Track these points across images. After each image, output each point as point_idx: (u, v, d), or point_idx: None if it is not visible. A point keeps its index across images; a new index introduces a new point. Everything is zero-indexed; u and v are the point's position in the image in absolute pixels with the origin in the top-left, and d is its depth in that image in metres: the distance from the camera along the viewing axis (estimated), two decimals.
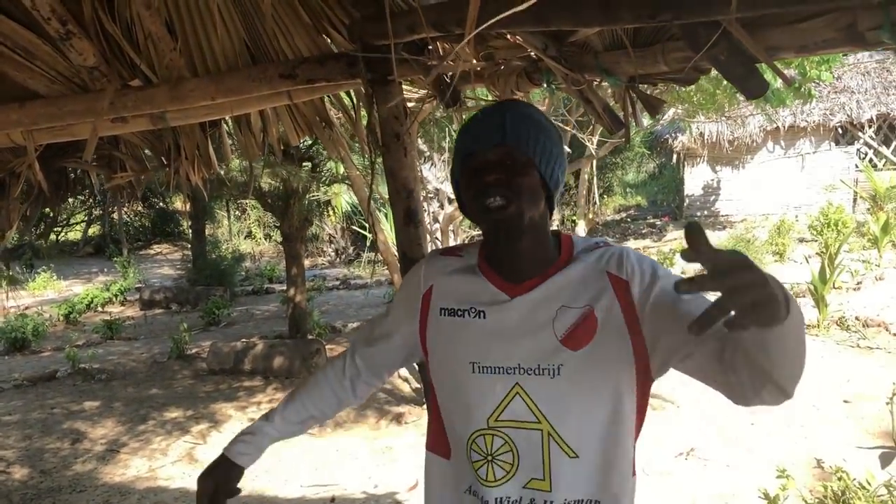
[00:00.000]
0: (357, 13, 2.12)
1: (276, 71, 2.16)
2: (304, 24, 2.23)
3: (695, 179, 18.32)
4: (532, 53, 1.95)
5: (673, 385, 6.72)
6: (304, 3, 2.18)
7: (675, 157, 18.60)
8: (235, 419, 6.47)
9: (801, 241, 13.47)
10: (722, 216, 17.74)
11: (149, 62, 2.29)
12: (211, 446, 5.85)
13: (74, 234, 26.27)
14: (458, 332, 1.41)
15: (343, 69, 2.14)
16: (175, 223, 24.97)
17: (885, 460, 4.63)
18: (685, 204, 18.47)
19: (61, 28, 2.05)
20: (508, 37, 1.97)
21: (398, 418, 6.27)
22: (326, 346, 8.24)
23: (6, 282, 16.25)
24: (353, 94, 2.56)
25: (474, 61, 2.25)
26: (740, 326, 0.98)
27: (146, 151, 2.77)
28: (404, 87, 2.79)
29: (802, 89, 8.31)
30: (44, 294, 15.30)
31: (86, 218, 26.03)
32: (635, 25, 1.59)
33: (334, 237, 18.92)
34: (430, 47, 2.24)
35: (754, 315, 0.97)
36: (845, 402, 5.96)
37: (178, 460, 5.60)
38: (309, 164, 8.37)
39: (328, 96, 2.58)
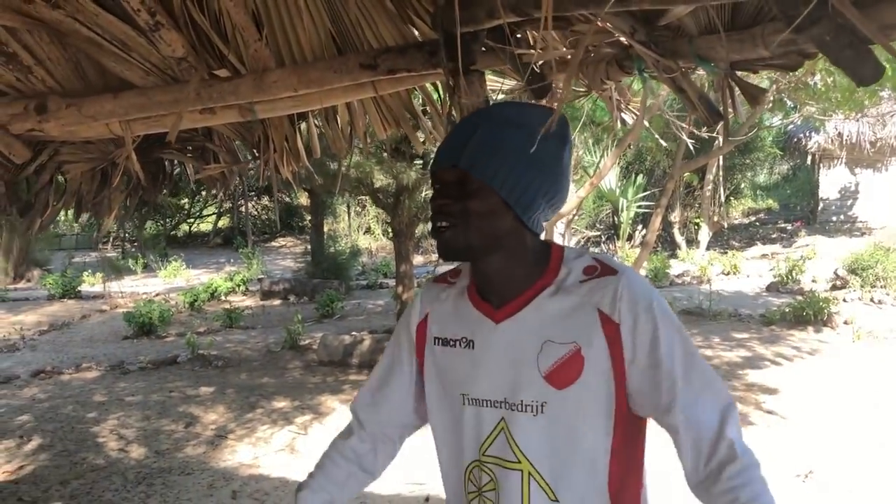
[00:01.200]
0: (440, 0, 2.04)
1: (356, 61, 2.11)
2: (388, 12, 2.17)
3: (831, 182, 17.28)
4: (621, 39, 1.80)
5: (789, 400, 6.32)
6: None
7: (809, 158, 17.58)
8: (338, 412, 6.56)
9: None
10: (860, 222, 16.64)
11: (237, 53, 2.29)
12: (312, 438, 5.95)
13: (206, 226, 27.69)
14: (451, 362, 1.36)
15: (424, 59, 2.06)
16: (299, 217, 25.84)
17: None
18: (820, 208, 17.44)
19: (150, 19, 2.07)
20: (598, 21, 1.83)
21: None
22: None
23: (141, 268, 17.31)
24: (440, 86, 2.48)
25: (563, 49, 2.13)
26: None
27: (238, 144, 2.80)
28: (494, 77, 2.70)
29: None
30: (173, 282, 16.14)
31: (216, 211, 27.37)
32: (724, 1, 1.42)
33: None
34: (519, 35, 2.13)
35: None
36: None
37: (280, 450, 5.72)
38: (420, 161, 8.40)
39: (416, 89, 2.52)
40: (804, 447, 5.21)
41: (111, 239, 24.11)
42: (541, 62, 2.19)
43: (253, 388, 7.48)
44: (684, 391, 1.23)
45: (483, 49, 2.08)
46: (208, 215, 27.96)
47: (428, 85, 2.53)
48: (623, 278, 1.26)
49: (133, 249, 21.78)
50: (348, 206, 23.76)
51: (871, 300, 10.04)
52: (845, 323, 8.85)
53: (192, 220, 27.34)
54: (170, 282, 16.20)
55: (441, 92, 2.50)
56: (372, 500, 4.69)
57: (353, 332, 8.71)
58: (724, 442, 1.24)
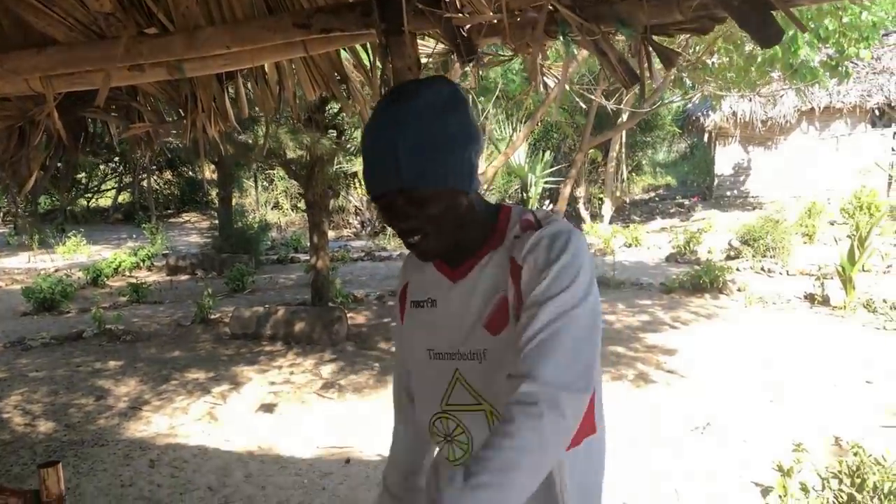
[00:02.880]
0: None
1: (290, 20, 2.15)
2: None
3: (726, 159, 18.09)
4: (547, 4, 1.92)
5: (687, 360, 6.70)
6: None
7: (706, 136, 18.34)
8: (256, 382, 6.55)
9: (832, 223, 13.29)
10: (752, 197, 17.51)
11: (165, 10, 2.28)
12: (230, 406, 5.94)
13: (105, 201, 26.63)
14: (420, 321, 1.46)
15: (357, 19, 2.12)
16: (204, 192, 25.17)
17: None
18: (715, 184, 18.25)
19: None
20: None
21: None
22: (348, 314, 8.29)
23: (36, 244, 16.57)
24: (369, 48, 2.54)
25: (490, 13, 2.22)
26: None
27: (163, 103, 2.78)
28: (421, 42, 2.77)
29: (840, 68, 8.13)
30: (73, 258, 15.54)
31: (116, 185, 26.36)
32: None
33: (360, 209, 18.96)
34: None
35: None
36: (867, 382, 5.89)
37: (198, 419, 5.68)
38: (334, 132, 8.37)
39: (344, 50, 2.57)
40: (701, 402, 5.55)
41: (1, 215, 22.94)
42: (468, 26, 2.28)
43: (164, 361, 7.36)
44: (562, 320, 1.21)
45: (413, 11, 2.16)
46: (107, 190, 26.88)
47: (358, 47, 2.58)
48: (543, 232, 1.30)
49: (27, 225, 20.77)
50: (255, 180, 23.32)
51: (762, 269, 10.66)
52: (739, 290, 9.38)
53: (90, 194, 26.22)
54: (69, 258, 15.58)
55: (371, 55, 2.56)
56: (294, 464, 4.75)
57: (267, 305, 8.65)
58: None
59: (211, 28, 2.21)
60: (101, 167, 24.12)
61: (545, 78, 2.47)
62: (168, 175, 26.36)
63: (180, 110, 2.68)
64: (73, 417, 5.75)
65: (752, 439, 4.79)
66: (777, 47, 6.96)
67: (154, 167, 24.24)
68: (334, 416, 5.66)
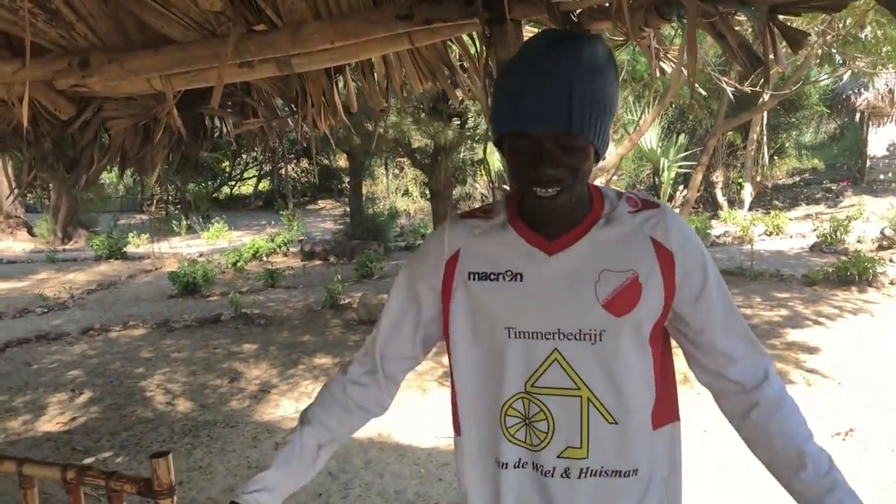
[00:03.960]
0: None
1: (392, 12, 2.11)
2: None
3: (880, 141, 16.84)
4: None
5: (830, 359, 6.25)
6: None
7: (857, 116, 17.10)
8: None
9: None
10: None
11: (274, 6, 2.30)
12: None
13: (247, 189, 28.02)
14: (492, 297, 1.32)
15: (460, 8, 2.05)
16: (338, 180, 25.98)
17: None
18: (867, 167, 17.00)
19: None
20: None
21: None
22: None
23: (185, 230, 17.62)
24: (476, 38, 2.47)
25: None
26: None
27: (276, 99, 2.83)
28: (533, 28, 2.67)
29: None
30: (216, 243, 16.43)
31: (257, 173, 27.65)
32: None
33: (486, 196, 18.97)
34: None
35: None
36: None
37: None
38: (458, 120, 8.37)
39: (451, 40, 2.51)
40: (845, 406, 5.16)
41: (155, 201, 24.53)
42: (578, 11, 2.17)
43: (294, 345, 7.62)
44: (727, 308, 1.34)
45: None
46: (249, 178, 28.28)
47: (465, 38, 2.51)
48: (667, 211, 1.33)
49: (177, 211, 22.15)
50: (386, 168, 23.81)
51: None
52: (892, 283, 8.68)
53: (233, 182, 27.68)
54: (213, 243, 16.49)
55: (478, 44, 2.49)
56: (412, 453, 4.79)
57: None
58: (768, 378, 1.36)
59: (315, 23, 2.20)
60: (243, 156, 25.32)
61: (662, 63, 2.32)
62: (305, 164, 27.38)
63: (292, 105, 2.72)
64: (208, 398, 6.05)
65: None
66: None
67: (292, 156, 25.22)
68: (447, 403, 5.66)
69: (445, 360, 5.47)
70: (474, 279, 1.34)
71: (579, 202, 1.30)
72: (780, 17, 1.68)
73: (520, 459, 1.34)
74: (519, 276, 1.30)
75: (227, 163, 25.78)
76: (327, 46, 2.23)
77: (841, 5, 1.50)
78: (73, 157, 2.76)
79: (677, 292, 1.29)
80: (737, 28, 1.87)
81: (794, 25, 1.79)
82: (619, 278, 1.27)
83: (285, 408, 5.77)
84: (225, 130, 2.98)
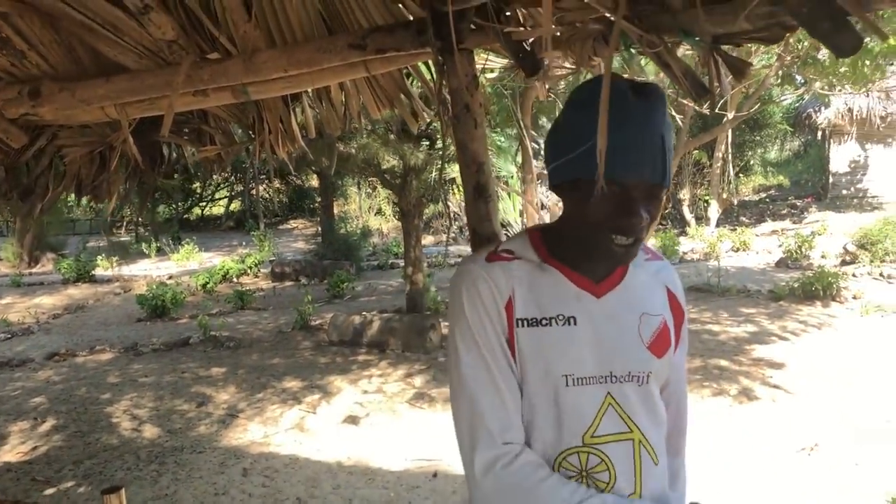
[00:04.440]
0: None
1: (345, 41, 2.11)
2: None
3: (842, 158, 17.14)
4: (607, 14, 1.80)
5: (795, 374, 6.32)
6: None
7: (819, 133, 17.42)
8: (346, 392, 6.62)
9: None
10: (870, 197, 16.51)
11: (227, 35, 2.30)
12: (320, 417, 6.02)
13: (218, 209, 27.84)
14: (547, 343, 1.25)
15: (413, 38, 2.07)
16: (311, 199, 25.91)
17: None
18: (830, 183, 17.30)
19: (139, 2, 2.08)
20: None
21: None
22: (442, 323, 8.29)
23: (154, 252, 17.43)
24: (431, 65, 2.48)
25: (551, 26, 2.13)
26: None
27: (233, 125, 2.82)
28: (488, 57, 2.70)
29: None
30: (186, 265, 16.27)
31: (228, 194, 27.50)
32: None
33: (458, 214, 19.01)
34: (508, 13, 2.13)
35: None
36: None
37: (290, 428, 5.79)
38: (427, 141, 8.40)
39: (408, 68, 2.52)
40: (810, 421, 5.22)
41: (124, 223, 24.27)
42: (531, 39, 2.19)
43: (264, 368, 7.56)
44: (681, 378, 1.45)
45: (472, 27, 2.09)
46: (220, 198, 28.10)
47: (421, 64, 2.53)
48: (670, 265, 1.45)
49: (146, 233, 21.93)
50: (359, 187, 23.79)
51: (881, 275, 9.99)
52: (854, 298, 8.81)
53: (204, 203, 27.49)
54: (183, 265, 16.33)
55: (432, 71, 2.50)
56: (381, 477, 4.75)
57: (364, 313, 8.75)
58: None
59: (268, 52, 2.21)
60: (215, 177, 25.18)
61: None
62: (277, 184, 27.28)
63: (249, 132, 2.71)
64: (175, 423, 5.97)
65: (865, 463, 4.46)
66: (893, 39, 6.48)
67: (263, 176, 25.14)
68: (424, 427, 5.65)
69: (416, 381, 5.46)
70: (524, 326, 1.26)
71: None
72: (724, 46, 1.72)
73: None
74: (572, 320, 1.26)
75: (198, 183, 25.61)
76: (281, 75, 2.24)
77: (778, 38, 1.53)
78: (28, 184, 2.73)
79: (680, 342, 1.39)
80: (684, 56, 1.90)
81: (740, 54, 1.83)
82: (655, 321, 1.33)
83: (253, 432, 5.71)
84: (182, 157, 2.97)
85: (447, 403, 6.15)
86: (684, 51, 1.92)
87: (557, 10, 1.95)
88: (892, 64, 7.80)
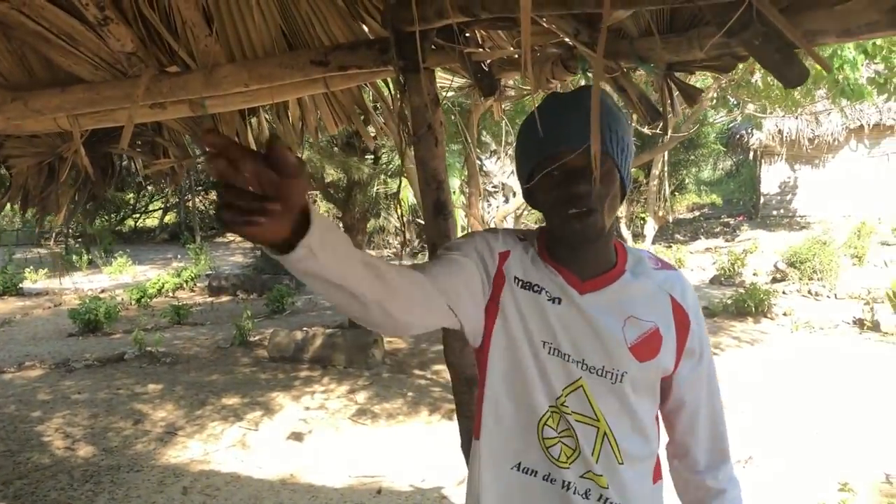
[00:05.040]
0: None
1: (307, 58, 2.13)
2: (338, 9, 2.19)
3: (772, 178, 17.74)
4: (566, 39, 1.87)
5: (728, 389, 6.51)
6: None
7: (751, 154, 18.02)
8: (288, 408, 6.56)
9: (884, 244, 12.88)
10: (799, 216, 17.13)
11: (187, 48, 2.29)
12: (262, 434, 5.94)
13: (152, 221, 27.19)
14: (534, 308, 1.35)
15: (375, 56, 2.09)
16: None
17: None
18: (761, 203, 17.91)
19: (99, 13, 2.06)
20: (543, 22, 1.89)
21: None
22: (385, 339, 8.27)
23: (86, 265, 16.92)
24: (390, 82, 2.51)
25: (510, 48, 2.19)
26: None
27: (188, 138, 2.79)
28: (446, 75, 2.75)
29: (889, 85, 7.89)
30: (119, 278, 15.84)
31: (163, 206, 26.90)
32: (656, 7, 1.49)
33: (401, 229, 19.00)
34: (468, 34, 2.18)
35: None
36: None
37: (231, 446, 5.70)
38: (371, 156, 8.40)
39: (366, 85, 2.55)
40: (742, 435, 5.38)
41: (54, 234, 23.51)
42: (489, 60, 2.25)
43: (202, 385, 7.42)
44: (713, 387, 1.46)
45: (433, 47, 2.13)
46: (154, 210, 27.45)
47: (379, 81, 2.56)
48: (684, 275, 1.46)
49: (77, 245, 21.27)
50: None
51: (809, 292, 10.38)
52: (784, 314, 9.13)
53: (137, 215, 26.81)
54: (116, 278, 15.88)
55: (392, 88, 2.53)
56: (325, 494, 4.72)
57: (305, 328, 8.67)
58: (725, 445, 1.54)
59: (229, 66, 2.21)
60: (149, 188, 24.60)
61: None
62: (213, 195, 26.78)
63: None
64: (111, 441, 5.81)
65: (797, 475, 4.63)
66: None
67: (199, 188, 24.67)
68: (367, 443, 5.62)
69: (359, 397, 5.41)
70: (520, 286, 1.36)
71: (606, 248, 1.39)
72: (677, 73, 1.80)
73: (549, 474, 1.36)
74: (558, 300, 1.35)
75: (132, 195, 24.97)
76: (241, 89, 2.24)
77: (730, 67, 1.62)
78: None
79: (685, 353, 1.39)
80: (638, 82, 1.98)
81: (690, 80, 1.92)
82: (644, 326, 1.35)
83: (193, 450, 5.60)
84: (134, 169, 2.92)
85: (391, 419, 6.16)
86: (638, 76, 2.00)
87: (517, 33, 2.01)
88: (820, 89, 8.14)
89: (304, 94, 2.47)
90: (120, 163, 2.83)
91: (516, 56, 2.17)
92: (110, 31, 2.13)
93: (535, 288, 1.36)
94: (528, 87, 2.47)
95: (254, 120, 2.67)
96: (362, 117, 2.61)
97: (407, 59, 2.06)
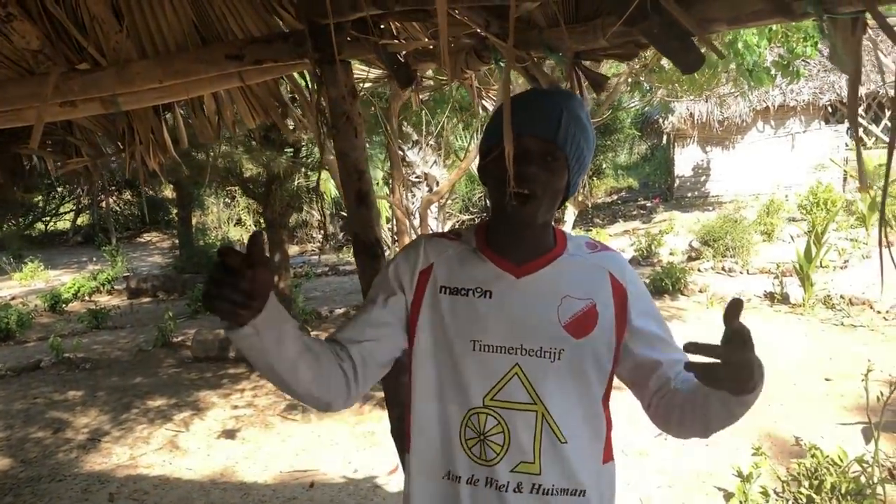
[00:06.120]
0: None
1: (222, 52, 2.12)
2: (252, 2, 2.19)
3: (685, 160, 18.29)
4: (478, 30, 1.91)
5: None
6: None
7: (665, 138, 18.53)
8: (219, 406, 6.47)
9: (792, 220, 13.47)
10: (712, 197, 17.72)
11: (96, 45, 2.24)
12: (193, 434, 5.85)
13: (63, 224, 26.17)
14: (461, 310, 1.42)
15: (291, 49, 2.10)
16: (165, 211, 24.85)
17: (867, 436, 4.64)
18: (676, 185, 18.46)
19: (1, 10, 2.00)
20: (455, 14, 1.93)
21: (383, 402, 6.26)
22: (311, 333, 8.21)
23: None
24: (307, 74, 2.51)
25: (425, 40, 2.22)
26: (717, 385, 1.18)
27: (101, 136, 2.73)
28: (363, 67, 2.76)
29: (791, 68, 8.25)
30: (32, 284, 15.22)
31: (75, 207, 25.93)
32: None
33: (323, 223, 18.85)
34: (383, 26, 2.20)
35: (735, 385, 1.18)
36: (826, 380, 5.98)
37: (159, 448, 5.59)
38: (290, 149, 8.32)
39: (283, 78, 2.54)
40: None
41: None
42: (405, 52, 2.27)
43: (126, 388, 7.23)
44: (672, 350, 1.46)
45: (349, 39, 2.14)
46: (66, 212, 26.41)
47: (295, 73, 2.56)
48: (621, 255, 1.55)
49: None
50: (217, 198, 23.06)
51: (723, 269, 10.77)
52: (700, 291, 9.47)
53: (48, 218, 25.76)
54: (27, 284, 15.25)
55: (308, 80, 2.54)
56: (257, 491, 4.69)
57: None
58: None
59: (142, 62, 2.17)
60: (59, 189, 23.69)
61: (483, 101, 2.48)
62: (128, 195, 25.96)
63: (118, 143, 2.64)
64: (29, 452, 5.62)
65: (715, 443, 4.82)
66: (729, 51, 7.04)
67: (113, 188, 23.88)
68: (298, 438, 5.60)
69: (179, 415, 5.33)
70: (445, 293, 1.44)
71: (544, 234, 1.46)
72: (584, 61, 1.86)
73: (473, 475, 1.40)
74: (488, 294, 1.42)
75: (41, 197, 23.98)
76: (155, 85, 2.20)
77: (633, 55, 1.70)
78: None
79: (629, 323, 1.44)
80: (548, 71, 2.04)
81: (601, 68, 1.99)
82: (578, 304, 1.41)
83: (119, 455, 5.48)
84: (42, 169, 2.83)
85: (322, 413, 6.14)
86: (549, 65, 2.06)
87: (432, 24, 2.05)
88: (725, 72, 8.44)
89: (220, 89, 2.45)
90: (30, 163, 2.74)
91: (431, 47, 2.20)
92: (14, 28, 2.07)
93: (463, 291, 1.43)
94: (445, 78, 2.51)
95: (168, 115, 2.64)
96: (280, 110, 2.60)
97: (322, 52, 2.07)
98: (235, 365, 7.82)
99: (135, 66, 2.16)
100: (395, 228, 8.00)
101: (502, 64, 2.00)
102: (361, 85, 2.62)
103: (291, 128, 2.70)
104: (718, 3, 1.42)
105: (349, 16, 1.94)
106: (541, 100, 1.43)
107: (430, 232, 1.61)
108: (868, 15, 1.29)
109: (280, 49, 2.11)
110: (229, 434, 5.79)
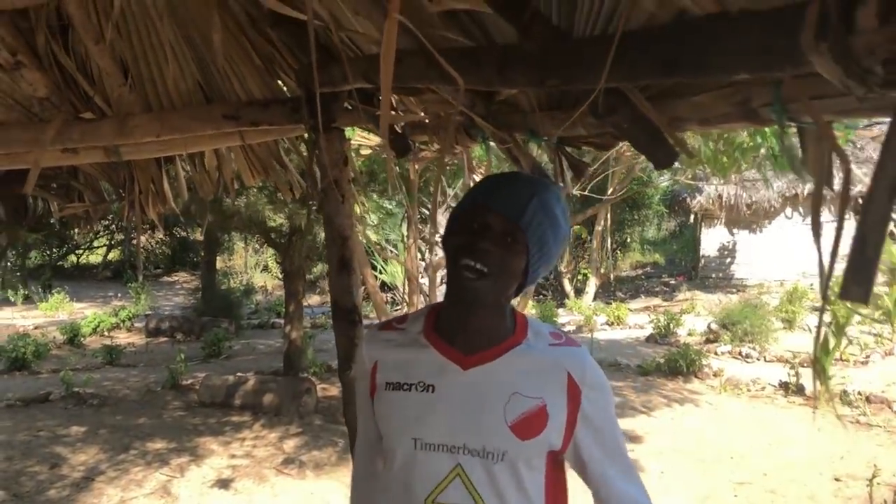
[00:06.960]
0: (305, 59, 2.14)
1: (220, 111, 2.18)
2: (255, 66, 2.25)
3: (711, 241, 18.21)
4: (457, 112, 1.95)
5: (653, 448, 6.58)
6: (255, 46, 2.21)
7: (692, 217, 18.51)
8: (217, 454, 6.42)
9: (815, 309, 13.24)
10: (736, 279, 17.55)
11: (103, 95, 2.31)
12: (187, 480, 5.80)
13: (96, 258, 26.60)
14: (403, 407, 1.37)
15: (287, 114, 2.15)
16: (195, 252, 25.19)
17: None
18: (701, 265, 18.34)
19: (11, 58, 2.08)
20: (442, 93, 1.97)
21: None
22: (319, 386, 8.19)
23: (21, 300, 16.44)
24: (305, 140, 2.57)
25: (420, 113, 2.26)
26: None
27: (104, 183, 2.80)
28: (363, 135, 2.82)
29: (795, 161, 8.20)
30: (55, 315, 15.42)
31: (108, 242, 26.37)
32: (528, 88, 1.58)
33: None
34: (381, 97, 2.25)
35: None
36: (836, 479, 5.79)
37: (151, 493, 5.54)
38: (314, 203, 8.42)
39: (284, 139, 2.60)
40: (666, 494, 5.44)
41: None
42: (402, 123, 2.32)
43: (128, 428, 7.23)
44: (619, 460, 1.43)
45: (348, 107, 2.19)
46: (99, 247, 26.89)
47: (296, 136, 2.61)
48: (586, 352, 1.44)
49: (13, 279, 20.69)
50: (246, 243, 23.36)
51: (740, 354, 10.58)
52: (714, 375, 9.30)
53: (80, 251, 26.22)
54: (51, 315, 15.45)
55: (305, 145, 2.59)
56: None
57: (239, 373, 8.54)
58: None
59: (142, 115, 2.24)
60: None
61: (474, 175, 2.51)
62: (161, 234, 26.39)
63: (120, 191, 2.70)
64: (23, 486, 5.61)
65: None
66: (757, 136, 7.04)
67: (146, 226, 24.24)
68: (290, 495, 5.53)
69: (287, 445, 5.37)
70: (389, 389, 1.39)
71: (499, 319, 1.39)
72: (568, 148, 1.89)
73: None
74: (431, 388, 1.35)
75: (76, 230, 24.44)
76: (153, 139, 2.26)
77: (610, 146, 1.71)
78: None
79: (577, 429, 1.36)
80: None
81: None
82: (528, 403, 1.32)
83: (110, 497, 5.44)
84: (42, 210, 2.90)
85: (319, 469, 6.08)
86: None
87: (422, 101, 2.09)
88: (755, 157, 8.42)
89: (221, 146, 2.51)
90: (34, 203, 2.81)
91: (426, 121, 2.24)
92: (23, 76, 2.14)
93: (405, 386, 1.37)
94: (434, 149, 2.55)
95: (171, 168, 2.69)
96: (280, 171, 2.65)
97: (317, 119, 2.12)
98: (240, 413, 7.79)
99: (135, 118, 2.23)
100: (407, 289, 8.01)
101: (489, 143, 2.03)
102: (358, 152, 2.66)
103: (291, 191, 2.74)
104: (687, 105, 1.43)
105: (342, 87, 1.98)
106: (515, 182, 1.39)
107: (384, 320, 1.58)
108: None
109: (276, 113, 2.16)
110: (223, 484, 5.74)
